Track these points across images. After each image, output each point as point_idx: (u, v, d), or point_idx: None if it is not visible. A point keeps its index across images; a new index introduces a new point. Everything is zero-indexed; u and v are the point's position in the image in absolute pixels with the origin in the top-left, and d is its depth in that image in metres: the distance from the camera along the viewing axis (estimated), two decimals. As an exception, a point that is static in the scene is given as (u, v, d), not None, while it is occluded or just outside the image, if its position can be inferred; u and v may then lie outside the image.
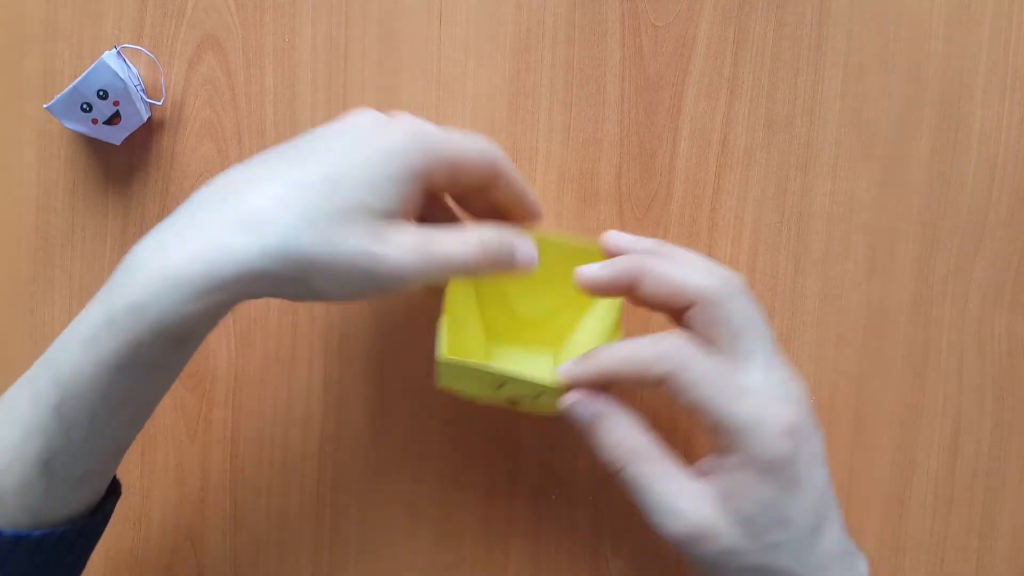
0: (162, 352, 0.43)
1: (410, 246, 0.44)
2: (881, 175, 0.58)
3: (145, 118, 0.59)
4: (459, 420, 0.61)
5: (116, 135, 0.59)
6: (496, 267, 0.47)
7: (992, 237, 0.58)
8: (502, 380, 0.47)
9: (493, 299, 0.57)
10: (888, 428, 0.59)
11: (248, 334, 0.61)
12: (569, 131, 0.59)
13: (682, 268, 0.46)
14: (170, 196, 0.61)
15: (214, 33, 0.60)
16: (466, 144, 0.48)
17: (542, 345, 0.57)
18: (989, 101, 0.57)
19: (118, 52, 0.59)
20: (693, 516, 0.43)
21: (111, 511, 0.51)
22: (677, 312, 0.47)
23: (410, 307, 0.61)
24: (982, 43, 0.57)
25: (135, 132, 0.60)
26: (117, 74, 0.56)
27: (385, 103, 0.60)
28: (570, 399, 0.47)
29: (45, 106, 0.57)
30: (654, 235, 0.59)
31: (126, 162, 0.61)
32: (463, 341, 0.53)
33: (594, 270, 0.48)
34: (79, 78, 0.57)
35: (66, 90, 0.57)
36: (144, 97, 0.60)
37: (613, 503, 0.60)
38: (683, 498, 0.44)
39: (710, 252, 0.59)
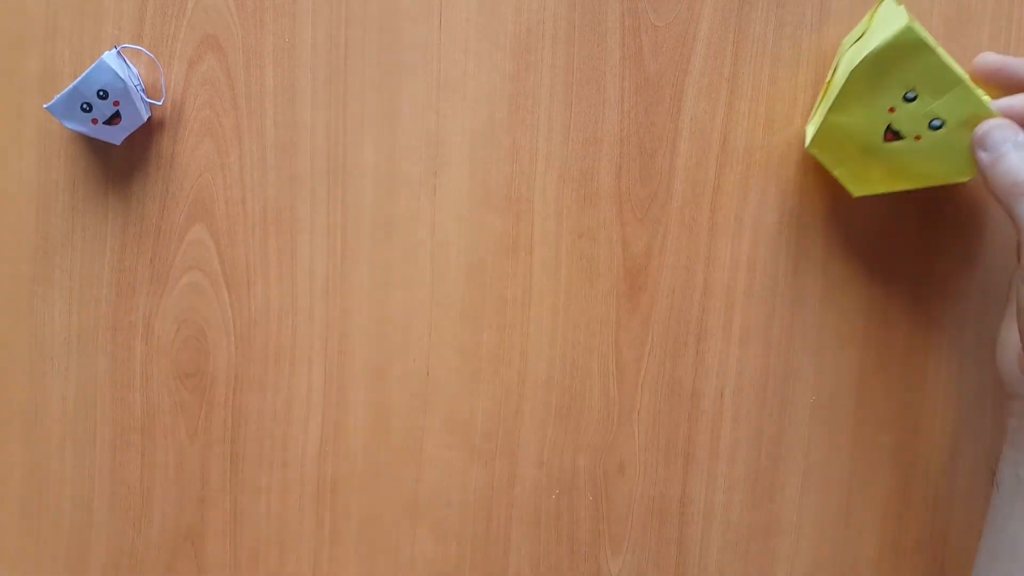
0: None
1: None
2: (881, 175, 0.58)
3: (145, 118, 0.59)
4: (459, 420, 0.61)
5: (116, 135, 0.59)
6: None
7: (992, 237, 0.58)
8: (939, 79, 0.48)
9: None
10: (888, 428, 0.59)
11: (248, 334, 0.62)
12: (569, 131, 0.59)
13: None
14: (170, 196, 0.61)
15: (214, 33, 0.60)
16: None
17: None
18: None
19: (118, 52, 0.59)
20: None
21: None
22: None
23: (410, 307, 0.61)
24: (982, 43, 0.57)
25: (135, 132, 0.60)
26: (117, 74, 0.56)
27: (385, 103, 0.60)
28: (993, 123, 0.48)
29: (45, 106, 0.57)
30: (654, 235, 0.59)
31: (126, 162, 0.62)
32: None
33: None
34: (79, 78, 0.57)
35: (66, 90, 0.57)
36: (144, 97, 0.60)
37: (613, 503, 0.60)
38: None
39: (710, 252, 0.59)
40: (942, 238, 0.58)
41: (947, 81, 0.49)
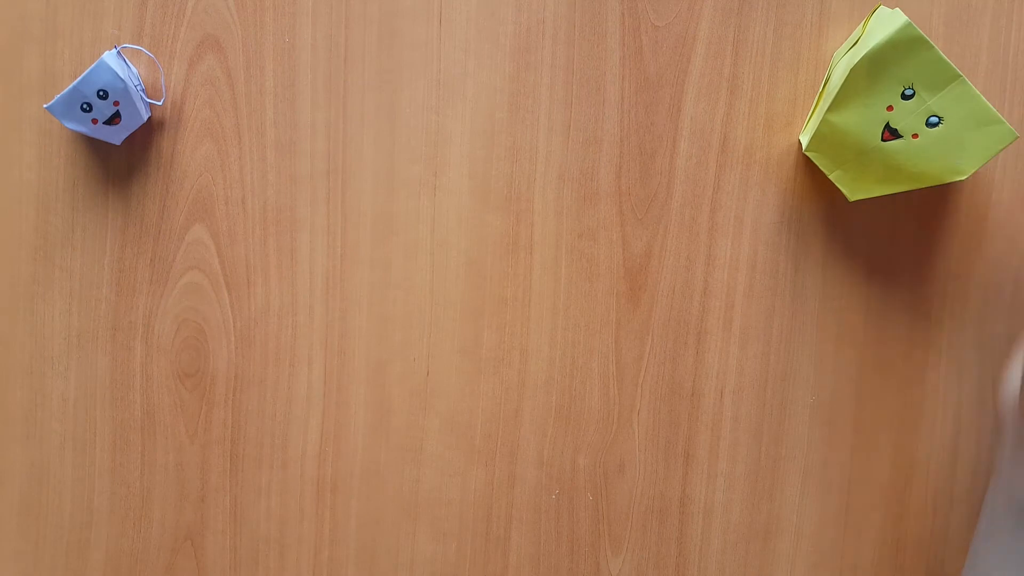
0: None
1: None
2: (881, 175, 0.58)
3: (145, 118, 0.59)
4: (459, 420, 0.61)
5: (116, 135, 0.59)
6: None
7: (992, 237, 0.58)
8: (937, 74, 0.49)
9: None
10: (888, 428, 0.59)
11: (248, 334, 0.62)
12: (569, 131, 0.59)
13: None
14: (170, 196, 0.61)
15: (214, 33, 0.60)
16: None
17: None
18: (989, 101, 0.57)
19: (118, 52, 0.59)
20: None
21: None
22: None
23: (410, 306, 0.61)
24: (982, 43, 0.57)
25: (135, 132, 0.60)
26: (117, 74, 0.56)
27: (385, 103, 0.60)
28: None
29: (45, 106, 0.57)
30: (654, 235, 0.59)
31: (126, 162, 0.62)
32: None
33: None
34: (79, 78, 0.57)
35: (66, 90, 0.57)
36: (144, 97, 0.60)
37: (613, 503, 0.60)
38: None
39: (710, 252, 0.59)
40: (942, 238, 0.58)
41: (945, 77, 0.49)
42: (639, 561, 0.60)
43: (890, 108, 0.51)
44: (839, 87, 0.51)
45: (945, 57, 0.49)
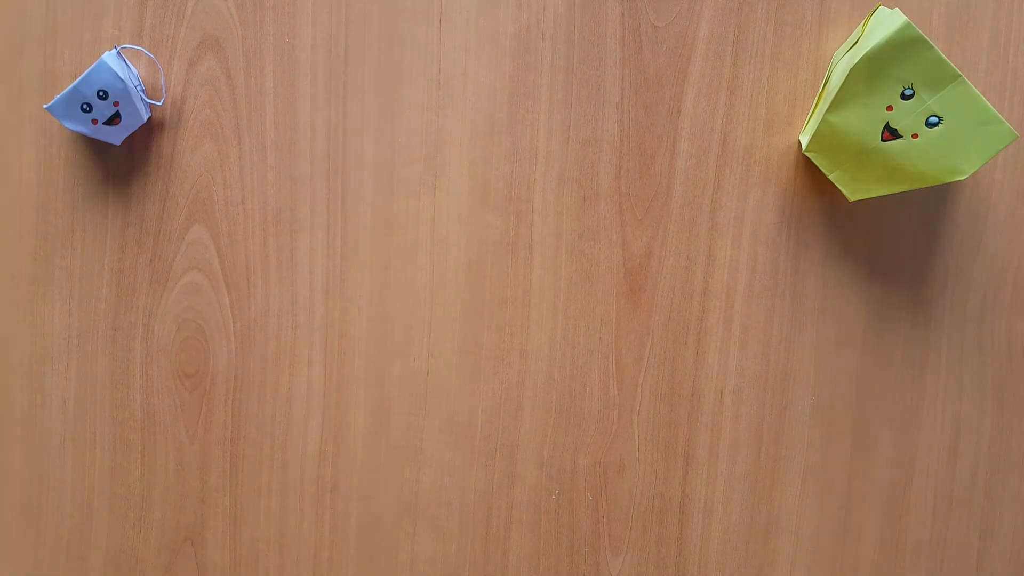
0: None
1: None
2: (881, 175, 0.58)
3: (145, 118, 0.59)
4: (459, 420, 0.61)
5: (116, 135, 0.59)
6: None
7: (992, 237, 0.58)
8: (936, 74, 0.49)
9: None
10: (888, 428, 0.59)
11: (248, 334, 0.62)
12: (569, 131, 0.59)
13: None
14: (170, 196, 0.61)
15: (214, 33, 0.60)
16: None
17: None
18: (989, 101, 0.57)
19: (118, 52, 0.59)
20: None
21: None
22: None
23: (410, 307, 0.61)
24: (982, 43, 0.57)
25: (135, 132, 0.60)
26: (117, 74, 0.56)
27: (385, 103, 0.60)
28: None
29: (45, 106, 0.57)
30: (654, 235, 0.59)
31: (126, 162, 0.61)
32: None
33: None
34: (79, 78, 0.57)
35: (66, 90, 0.57)
36: (144, 97, 0.60)
37: (613, 503, 0.60)
38: None
39: (710, 252, 0.59)
40: (942, 238, 0.58)
41: (945, 76, 0.49)
42: (639, 561, 0.60)
43: (890, 108, 0.51)
44: (839, 87, 0.51)
45: (945, 57, 0.49)
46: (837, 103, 0.51)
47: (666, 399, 0.60)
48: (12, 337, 0.63)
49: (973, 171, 0.50)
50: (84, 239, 0.62)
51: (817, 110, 0.55)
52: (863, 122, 0.51)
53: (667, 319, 0.59)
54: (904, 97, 0.50)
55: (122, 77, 0.56)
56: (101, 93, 0.57)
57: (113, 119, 0.58)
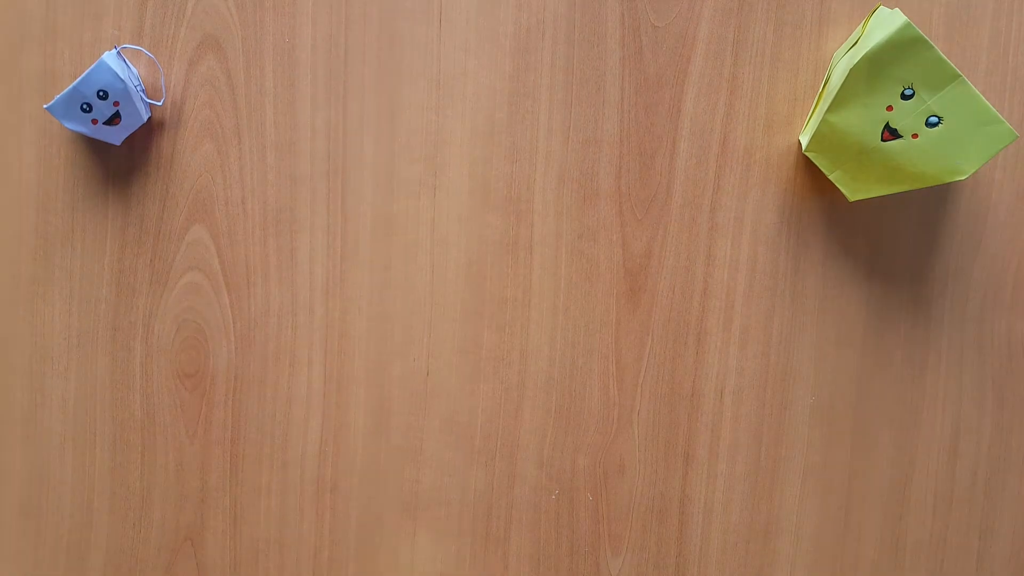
0: None
1: None
2: (881, 175, 0.58)
3: (145, 118, 0.59)
4: (459, 420, 0.61)
5: (116, 135, 0.59)
6: None
7: (992, 237, 0.58)
8: (936, 74, 0.49)
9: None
10: (888, 428, 0.59)
11: (248, 334, 0.62)
12: (569, 131, 0.59)
13: None
14: (170, 196, 0.61)
15: (214, 33, 0.60)
16: None
17: None
18: (989, 101, 0.57)
19: (118, 52, 0.59)
20: None
21: None
22: None
23: (410, 307, 0.61)
24: (982, 43, 0.57)
25: (135, 132, 0.60)
26: (117, 74, 0.56)
27: (385, 103, 0.60)
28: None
29: (45, 106, 0.57)
30: (654, 235, 0.59)
31: (126, 162, 0.61)
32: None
33: None
34: (79, 78, 0.57)
35: (66, 90, 0.57)
36: (144, 97, 0.60)
37: (613, 503, 0.60)
38: None
39: (710, 252, 0.59)
40: (942, 238, 0.58)
41: (945, 76, 0.49)
42: (639, 561, 0.60)
43: (890, 108, 0.51)
44: (839, 87, 0.51)
45: (945, 57, 0.49)
46: (837, 103, 0.51)
47: (666, 399, 0.60)
48: (12, 337, 0.63)
49: (973, 171, 0.50)
50: (84, 239, 0.62)
51: (817, 110, 0.55)
52: (863, 122, 0.51)
53: (667, 319, 0.59)
54: (904, 97, 0.50)
55: (122, 77, 0.56)
56: (101, 93, 0.57)
57: (113, 119, 0.58)
